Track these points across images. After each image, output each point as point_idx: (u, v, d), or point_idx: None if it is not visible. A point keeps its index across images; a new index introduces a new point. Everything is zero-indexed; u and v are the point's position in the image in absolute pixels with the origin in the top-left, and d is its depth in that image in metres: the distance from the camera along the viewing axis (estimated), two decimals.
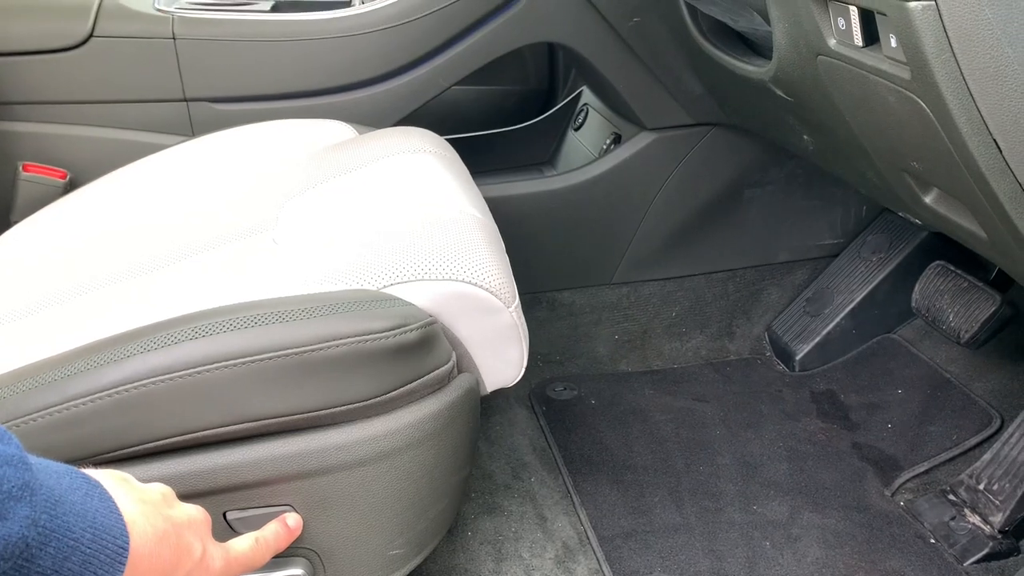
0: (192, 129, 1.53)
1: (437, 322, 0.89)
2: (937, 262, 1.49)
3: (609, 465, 1.39)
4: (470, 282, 0.89)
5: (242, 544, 0.75)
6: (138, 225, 1.11)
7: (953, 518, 1.25)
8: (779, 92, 1.19)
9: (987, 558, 1.19)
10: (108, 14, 1.49)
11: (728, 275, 1.74)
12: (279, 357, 0.79)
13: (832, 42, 0.96)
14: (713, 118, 1.61)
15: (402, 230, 0.97)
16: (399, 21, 1.53)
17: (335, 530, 0.86)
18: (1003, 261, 1.04)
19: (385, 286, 0.88)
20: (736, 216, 1.70)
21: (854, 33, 0.90)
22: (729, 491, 1.33)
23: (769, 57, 1.16)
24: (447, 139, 1.38)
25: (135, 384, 0.77)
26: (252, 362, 0.79)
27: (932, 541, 1.23)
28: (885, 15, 0.81)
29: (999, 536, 1.21)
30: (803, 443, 1.43)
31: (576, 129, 1.90)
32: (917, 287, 1.50)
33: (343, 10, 1.56)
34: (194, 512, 0.68)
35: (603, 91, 1.72)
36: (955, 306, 1.42)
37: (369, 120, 1.52)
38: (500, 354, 0.95)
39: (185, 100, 1.52)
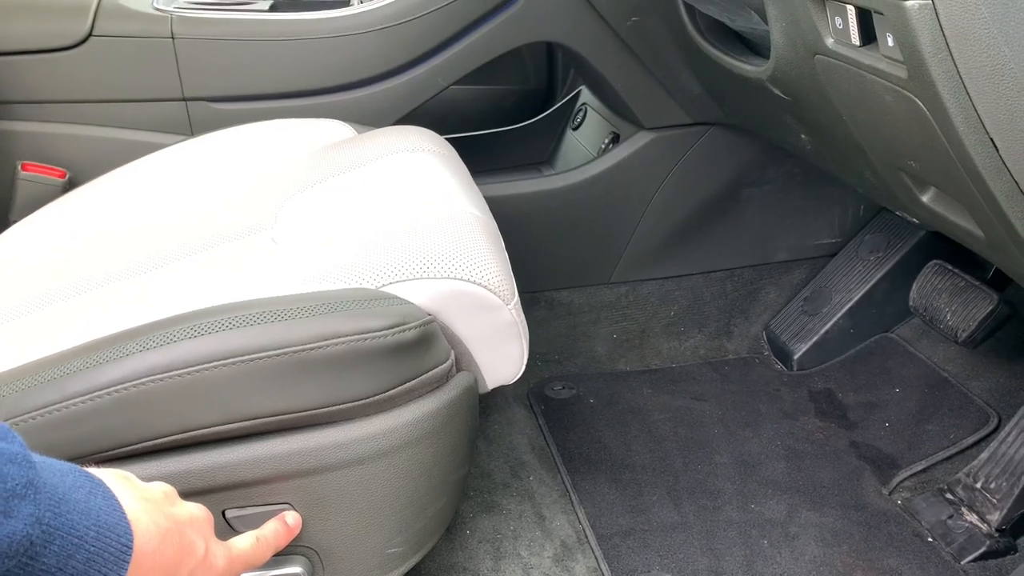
0: (191, 128, 1.54)
1: (435, 320, 0.89)
2: (934, 261, 1.49)
3: (607, 464, 1.39)
4: (468, 280, 0.89)
5: (243, 543, 0.75)
6: (137, 224, 1.11)
7: (950, 516, 1.25)
8: (777, 91, 1.20)
9: (984, 556, 1.19)
10: (107, 13, 1.49)
11: (726, 274, 1.74)
12: (278, 355, 0.79)
13: (829, 41, 0.96)
14: (711, 118, 1.62)
15: (401, 229, 0.97)
16: (398, 20, 1.53)
17: (334, 528, 0.86)
18: (1000, 260, 1.05)
19: (384, 285, 0.88)
20: (734, 215, 1.71)
21: (851, 32, 0.90)
22: (727, 490, 1.33)
23: (767, 56, 1.16)
24: (445, 139, 1.38)
25: (134, 382, 0.77)
26: (251, 360, 0.79)
27: (929, 539, 1.23)
28: (882, 14, 0.82)
29: (996, 534, 1.21)
30: (801, 442, 1.44)
31: (574, 128, 1.90)
32: (915, 286, 1.50)
33: (341, 9, 1.56)
34: (196, 510, 0.68)
35: (601, 91, 1.72)
36: (952, 305, 1.42)
37: (368, 119, 1.52)
38: (500, 351, 0.95)
39: (184, 99, 1.52)
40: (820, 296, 1.67)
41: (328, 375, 0.81)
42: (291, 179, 1.16)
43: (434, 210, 1.02)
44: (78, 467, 0.56)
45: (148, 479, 0.68)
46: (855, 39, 0.90)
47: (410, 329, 0.84)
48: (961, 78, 0.77)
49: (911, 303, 1.51)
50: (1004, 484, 1.23)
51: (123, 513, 0.56)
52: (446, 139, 1.38)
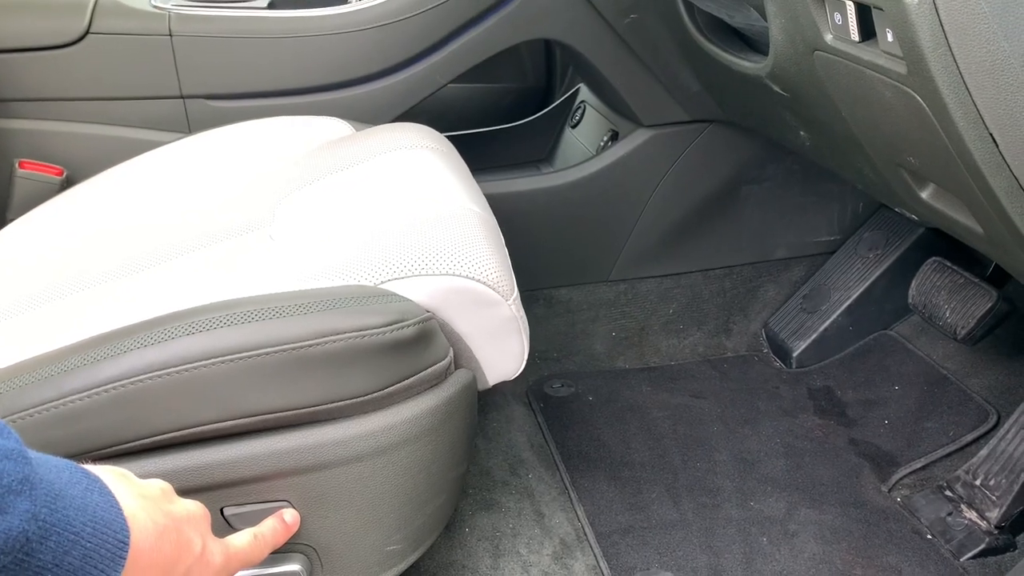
0: (189, 126, 1.53)
1: (434, 318, 0.89)
2: (933, 258, 1.49)
3: (606, 461, 1.39)
4: (467, 276, 0.89)
5: (241, 540, 0.75)
6: (135, 222, 1.11)
7: (950, 514, 1.25)
8: (776, 88, 1.19)
9: (984, 553, 1.19)
10: (104, 11, 1.49)
11: (725, 272, 1.74)
12: (276, 352, 0.79)
13: (829, 37, 0.96)
14: (710, 115, 1.61)
15: (399, 226, 0.97)
16: (396, 18, 1.53)
17: (332, 526, 0.86)
18: (1000, 256, 1.04)
19: (382, 282, 0.88)
20: (733, 213, 1.70)
21: (851, 28, 0.90)
22: (726, 487, 1.33)
23: (766, 53, 1.16)
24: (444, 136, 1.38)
25: (131, 380, 0.77)
26: (248, 357, 0.79)
27: (929, 537, 1.23)
28: (882, 10, 0.82)
29: (996, 532, 1.21)
30: (800, 439, 1.44)
31: (573, 126, 1.90)
32: (914, 283, 1.50)
33: (340, 7, 1.56)
34: (193, 508, 0.68)
35: (600, 88, 1.72)
36: (952, 302, 1.42)
37: (366, 117, 1.52)
38: (501, 347, 0.95)
39: (182, 97, 1.52)
40: (819, 293, 1.67)
41: (326, 372, 0.81)
42: (289, 177, 1.16)
43: (433, 207, 1.02)
44: (75, 463, 0.55)
45: (145, 476, 0.67)
46: (854, 35, 0.90)
47: (408, 326, 0.83)
48: (961, 73, 0.77)
49: (910, 300, 1.50)
50: (1003, 481, 1.23)
51: (120, 510, 0.56)
52: (444, 136, 1.38)
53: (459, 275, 0.89)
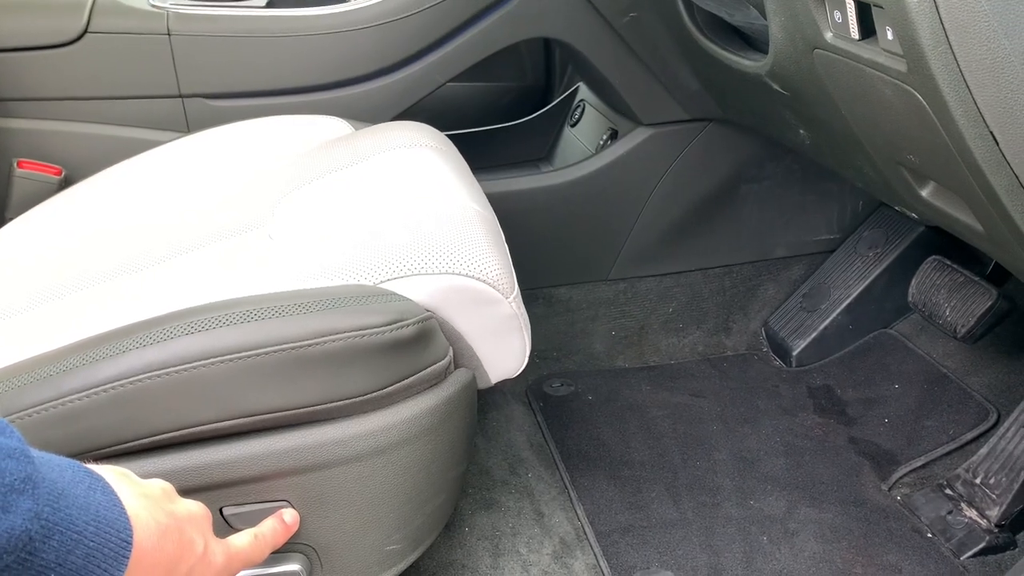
0: (187, 125, 1.53)
1: (434, 317, 0.89)
2: (933, 257, 1.49)
3: (606, 461, 1.39)
4: (467, 275, 0.89)
5: (241, 540, 0.75)
6: (133, 221, 1.11)
7: (950, 512, 1.25)
8: (775, 86, 1.19)
9: (984, 552, 1.19)
10: (103, 10, 1.49)
11: (725, 271, 1.74)
12: (275, 352, 0.79)
13: (828, 35, 0.96)
14: (709, 113, 1.61)
15: (399, 225, 0.96)
16: (395, 17, 1.53)
17: (332, 525, 0.86)
18: (1000, 255, 1.04)
19: (382, 281, 0.88)
20: (733, 212, 1.70)
21: (850, 26, 0.90)
22: (726, 486, 1.33)
23: (765, 51, 1.16)
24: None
25: (131, 379, 0.77)
26: (248, 357, 0.79)
27: (929, 535, 1.23)
28: (882, 8, 0.81)
29: (996, 530, 1.21)
30: (800, 438, 1.44)
31: (572, 125, 1.90)
32: (913, 282, 1.50)
33: (338, 6, 1.56)
34: (195, 508, 0.68)
35: (599, 87, 1.72)
36: (952, 301, 1.42)
37: (365, 116, 1.52)
38: (502, 345, 0.95)
39: (180, 96, 1.52)
40: (819, 292, 1.67)
41: (326, 372, 0.81)
42: (288, 176, 1.16)
43: (433, 205, 1.02)
44: (77, 463, 0.55)
45: (146, 476, 0.67)
46: (854, 33, 0.90)
47: (408, 325, 0.83)
48: (961, 71, 0.76)
49: (910, 299, 1.50)
50: (1003, 479, 1.23)
51: (123, 509, 0.55)
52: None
53: (459, 273, 0.89)
